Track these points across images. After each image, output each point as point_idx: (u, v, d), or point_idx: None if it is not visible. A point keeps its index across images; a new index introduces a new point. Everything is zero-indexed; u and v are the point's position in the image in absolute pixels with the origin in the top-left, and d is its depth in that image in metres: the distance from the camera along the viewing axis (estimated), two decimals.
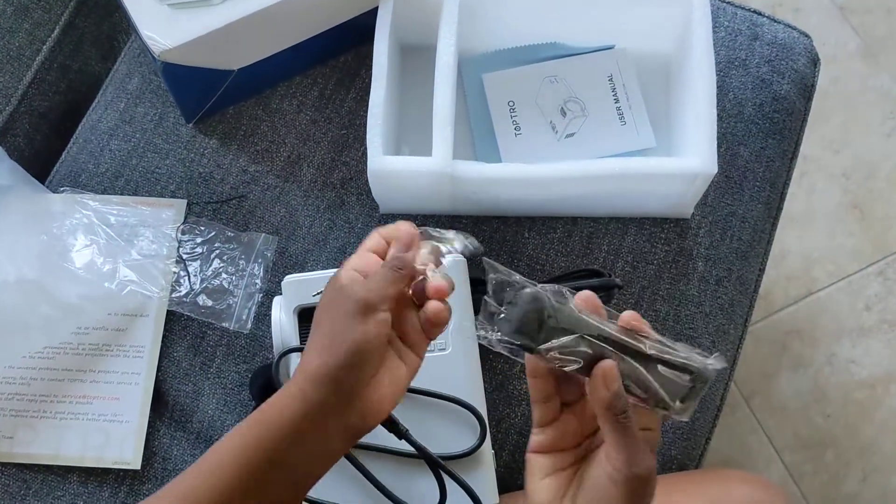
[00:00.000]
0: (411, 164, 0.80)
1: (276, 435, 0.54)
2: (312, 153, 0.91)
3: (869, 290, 1.37)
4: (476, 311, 0.56)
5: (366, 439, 0.59)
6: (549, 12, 0.88)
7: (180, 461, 0.84)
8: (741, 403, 1.32)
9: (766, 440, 1.31)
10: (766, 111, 0.92)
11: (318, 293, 0.75)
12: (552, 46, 0.91)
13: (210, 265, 0.87)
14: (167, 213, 0.89)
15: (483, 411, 0.74)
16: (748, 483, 0.83)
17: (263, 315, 0.86)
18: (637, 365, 0.52)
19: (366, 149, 0.80)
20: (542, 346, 0.52)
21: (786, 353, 1.35)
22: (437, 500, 0.71)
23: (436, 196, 0.84)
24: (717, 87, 0.81)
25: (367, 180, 0.84)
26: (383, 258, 0.59)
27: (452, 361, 0.75)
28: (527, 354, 0.54)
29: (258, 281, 0.86)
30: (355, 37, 0.90)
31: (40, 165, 0.95)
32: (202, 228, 0.88)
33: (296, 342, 0.75)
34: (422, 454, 0.70)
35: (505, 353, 0.54)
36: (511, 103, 0.90)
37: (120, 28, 1.06)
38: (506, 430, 0.84)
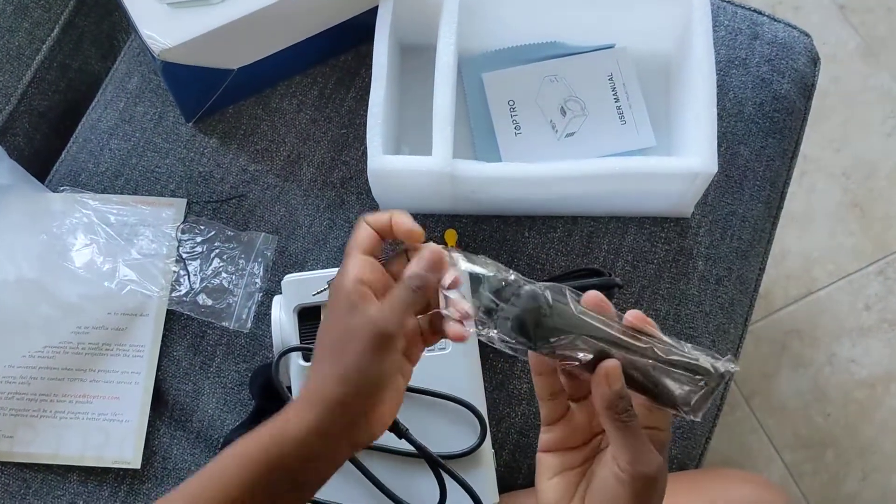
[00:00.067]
0: (411, 163, 0.80)
1: (284, 451, 0.53)
2: (312, 152, 0.91)
3: (869, 289, 1.37)
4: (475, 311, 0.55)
5: None
6: (548, 11, 0.88)
7: (180, 460, 0.84)
8: (741, 403, 1.32)
9: (766, 440, 1.31)
10: (767, 110, 0.92)
11: (318, 292, 0.76)
12: (552, 46, 0.91)
13: (210, 264, 0.87)
14: (167, 213, 0.89)
15: (483, 410, 0.74)
16: (748, 483, 0.83)
17: (263, 314, 0.86)
18: (641, 364, 0.51)
19: (366, 148, 0.80)
20: (541, 346, 0.52)
21: (786, 353, 1.34)
22: (438, 499, 0.71)
23: (436, 195, 0.84)
24: (718, 87, 0.81)
25: (366, 180, 0.84)
26: (377, 251, 0.57)
27: (452, 361, 0.75)
28: (530, 351, 0.53)
29: (258, 280, 0.86)
30: (355, 36, 0.90)
31: (40, 165, 0.95)
32: (202, 228, 0.88)
33: (296, 341, 0.75)
34: (422, 453, 0.70)
35: (506, 350, 0.54)
36: (511, 102, 0.90)
37: (120, 27, 1.06)
38: (506, 430, 0.84)
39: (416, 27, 0.87)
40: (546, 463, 0.55)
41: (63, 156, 0.95)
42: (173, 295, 0.86)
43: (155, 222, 0.88)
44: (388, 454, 0.73)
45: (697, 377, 0.51)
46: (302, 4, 0.84)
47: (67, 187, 0.91)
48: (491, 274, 0.54)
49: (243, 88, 0.91)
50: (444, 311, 0.55)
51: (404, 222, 0.57)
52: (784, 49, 0.94)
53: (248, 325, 0.85)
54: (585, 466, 0.54)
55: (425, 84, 0.82)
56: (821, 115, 1.41)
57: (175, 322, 0.87)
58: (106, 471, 0.83)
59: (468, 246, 0.87)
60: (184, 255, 0.87)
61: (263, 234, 0.88)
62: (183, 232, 0.88)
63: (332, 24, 0.88)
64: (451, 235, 0.87)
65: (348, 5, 0.87)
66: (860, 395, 1.32)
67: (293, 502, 0.55)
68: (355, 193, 0.90)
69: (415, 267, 0.55)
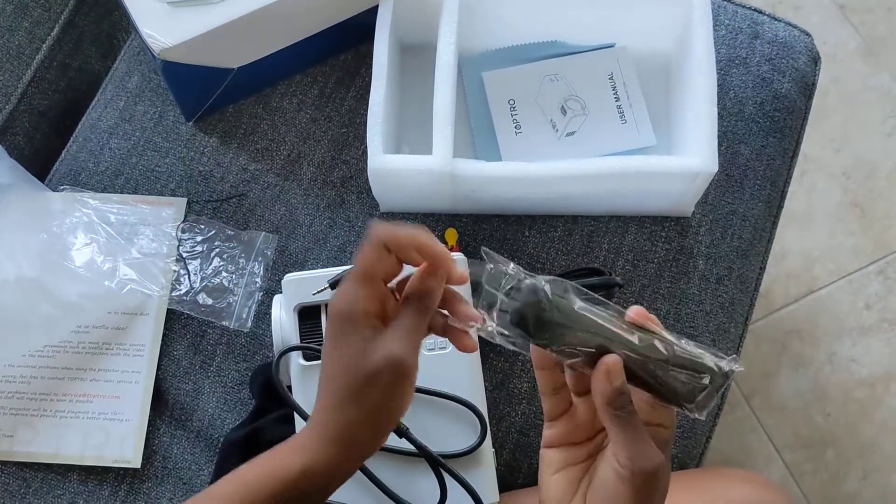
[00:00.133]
0: (411, 162, 0.80)
1: (312, 483, 0.54)
2: (312, 152, 0.91)
3: (869, 288, 1.37)
4: (475, 307, 0.54)
5: None
6: (549, 11, 0.88)
7: (180, 460, 0.84)
8: (741, 402, 1.32)
9: (767, 439, 1.31)
10: (767, 110, 0.92)
11: (318, 291, 0.76)
12: (552, 45, 0.91)
13: (210, 263, 0.87)
14: (167, 212, 0.89)
15: (483, 410, 0.74)
16: (748, 482, 0.83)
17: (263, 313, 0.86)
18: (643, 360, 0.51)
19: (366, 147, 0.80)
20: (540, 340, 0.52)
21: (786, 352, 1.34)
22: (438, 498, 0.71)
23: (436, 195, 0.84)
24: (718, 86, 0.81)
25: (367, 179, 0.84)
26: (390, 278, 0.54)
27: (453, 360, 0.75)
28: (532, 345, 0.53)
29: (258, 279, 0.86)
30: (355, 35, 0.90)
31: (40, 164, 0.95)
32: (202, 227, 0.88)
33: (296, 340, 0.75)
34: (422, 453, 0.70)
35: (506, 345, 0.53)
36: (511, 102, 0.90)
37: (120, 26, 1.06)
38: (506, 429, 0.84)
39: (417, 26, 0.87)
40: (549, 459, 0.55)
41: (63, 155, 0.95)
42: (173, 294, 0.86)
43: (155, 221, 0.88)
44: (388, 453, 0.73)
45: (700, 375, 0.51)
46: (302, 4, 0.84)
47: (67, 186, 0.91)
48: (490, 266, 0.53)
49: (243, 87, 0.91)
50: (451, 324, 0.54)
51: (430, 246, 0.53)
52: (784, 48, 0.94)
53: (249, 324, 0.85)
54: (588, 463, 0.54)
55: (425, 83, 0.82)
56: (821, 114, 1.41)
57: (175, 321, 0.87)
58: (106, 470, 0.83)
59: (468, 245, 0.87)
60: (184, 255, 0.87)
61: (264, 233, 0.88)
62: (183, 231, 0.88)
63: (333, 24, 0.88)
64: (451, 235, 0.87)
65: (348, 4, 0.87)
66: (860, 394, 1.32)
67: None
68: (355, 192, 0.90)
69: (420, 286, 0.53)
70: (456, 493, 0.71)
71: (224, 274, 0.86)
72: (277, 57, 0.88)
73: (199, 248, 0.87)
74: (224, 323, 0.85)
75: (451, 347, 0.74)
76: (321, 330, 0.76)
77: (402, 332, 0.52)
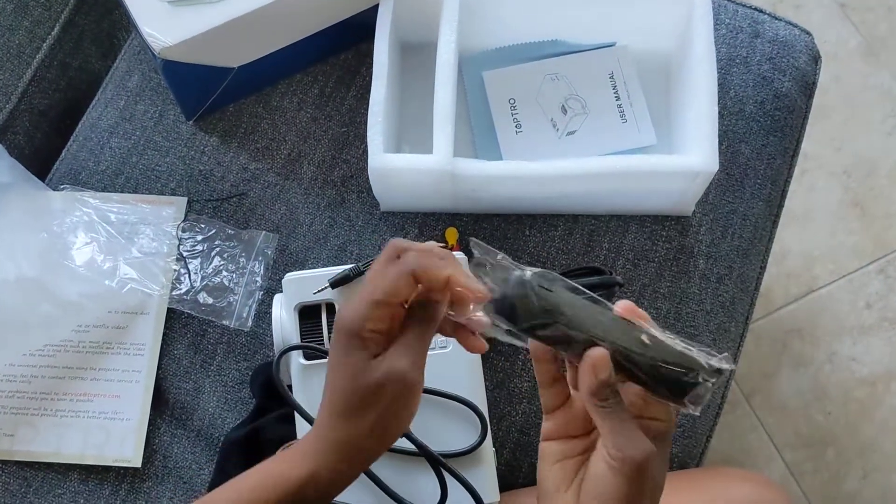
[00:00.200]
0: (412, 161, 0.80)
1: (318, 488, 0.55)
2: (313, 151, 0.91)
3: (870, 287, 1.37)
4: None
5: None
6: (549, 10, 0.88)
7: (181, 459, 0.84)
8: (741, 401, 1.32)
9: (767, 438, 1.31)
10: (768, 109, 0.92)
11: (318, 291, 0.76)
12: (553, 44, 0.91)
13: (210, 263, 0.87)
14: (167, 211, 0.89)
15: (484, 409, 0.74)
16: (749, 481, 0.83)
17: (264, 313, 0.86)
18: (629, 353, 0.51)
19: (366, 146, 0.80)
20: (526, 331, 0.52)
21: (786, 351, 1.34)
22: (438, 497, 0.71)
23: (436, 194, 0.84)
24: (718, 85, 0.81)
25: (367, 178, 0.84)
26: (406, 300, 0.53)
27: (453, 359, 0.75)
28: (530, 339, 0.53)
29: (258, 279, 0.86)
30: (356, 35, 0.90)
31: (40, 163, 0.95)
32: (202, 226, 0.88)
33: (296, 340, 0.75)
34: (423, 452, 0.70)
35: (498, 336, 0.54)
36: (512, 101, 0.90)
37: (120, 25, 1.06)
38: (507, 428, 0.84)
39: (417, 25, 0.87)
40: (547, 451, 0.56)
41: (63, 154, 0.95)
42: (174, 293, 0.86)
43: (155, 221, 0.88)
44: (389, 453, 0.72)
45: (688, 371, 0.51)
46: (302, 3, 0.84)
47: (68, 186, 0.91)
48: (477, 254, 0.54)
49: (244, 87, 0.91)
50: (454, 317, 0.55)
51: (469, 285, 0.52)
52: (785, 47, 0.94)
53: (249, 323, 0.85)
54: (585, 456, 0.54)
55: (426, 82, 0.82)
56: (821, 113, 1.41)
57: (176, 320, 0.87)
58: (107, 469, 0.83)
59: (469, 245, 0.87)
60: (184, 254, 0.87)
61: (264, 232, 0.88)
62: (183, 230, 0.88)
63: (333, 23, 0.88)
64: (451, 234, 0.87)
65: (349, 4, 0.87)
66: (861, 393, 1.32)
67: None
68: (356, 192, 0.90)
69: (425, 300, 0.53)
70: (456, 492, 0.71)
71: (224, 273, 0.86)
72: (278, 56, 0.88)
73: (199, 248, 0.87)
74: (224, 322, 0.85)
75: (451, 346, 0.75)
76: (322, 329, 0.76)
77: (405, 347, 0.53)
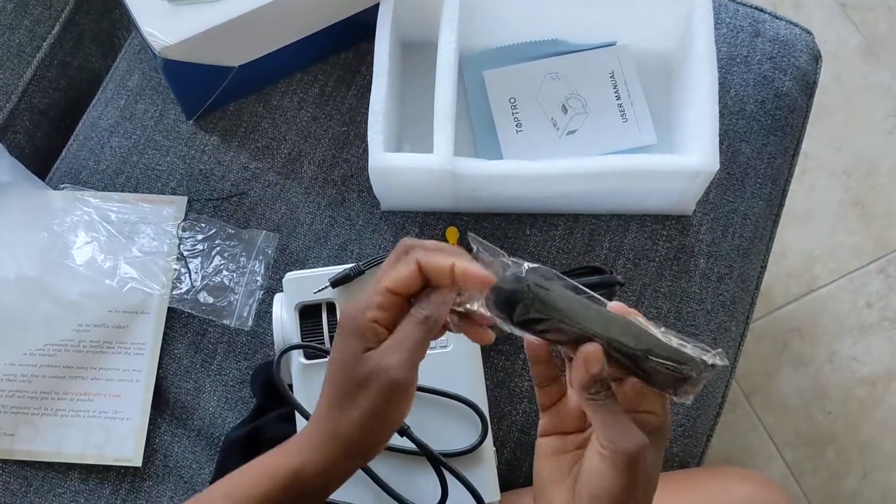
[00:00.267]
0: (412, 160, 0.80)
1: (306, 480, 0.55)
2: (313, 150, 0.91)
3: (870, 287, 1.37)
4: None
5: None
6: (550, 9, 0.88)
7: (181, 458, 0.84)
8: (742, 401, 1.32)
9: (767, 437, 1.31)
10: (768, 108, 0.92)
11: (319, 290, 0.76)
12: (553, 43, 0.91)
13: (211, 262, 0.87)
14: (168, 210, 0.89)
15: (484, 408, 0.74)
16: (749, 481, 0.83)
17: (264, 312, 0.86)
18: (621, 349, 0.52)
19: (367, 146, 0.80)
20: (520, 325, 0.52)
21: (786, 351, 1.34)
22: (439, 497, 0.71)
23: (437, 193, 0.84)
24: (719, 84, 0.81)
25: (368, 177, 0.84)
26: (412, 294, 0.53)
27: (454, 359, 0.75)
28: (526, 340, 0.54)
29: (259, 278, 0.86)
30: (356, 34, 0.90)
31: (41, 162, 0.95)
32: (203, 225, 0.88)
33: (297, 339, 0.75)
34: (423, 451, 0.70)
35: (503, 327, 0.54)
36: (512, 100, 0.90)
37: (120, 24, 1.06)
38: (507, 428, 0.84)
39: (417, 25, 0.87)
40: (543, 446, 0.56)
41: (64, 153, 0.95)
42: (174, 293, 0.86)
43: (156, 220, 0.88)
44: (389, 452, 0.73)
45: (681, 365, 0.52)
46: (303, 2, 0.84)
47: (68, 185, 0.91)
48: (476, 250, 0.54)
49: (244, 86, 0.91)
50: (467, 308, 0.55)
51: (471, 270, 0.52)
52: (785, 47, 0.94)
53: (249, 322, 0.85)
54: (580, 452, 0.55)
55: (426, 81, 0.82)
56: (822, 112, 1.41)
57: (176, 320, 0.87)
58: (107, 469, 0.83)
59: (469, 244, 0.87)
60: (185, 253, 0.87)
61: (264, 231, 0.88)
62: (184, 230, 0.88)
63: (333, 22, 0.88)
64: (452, 233, 0.87)
65: (349, 3, 0.87)
66: (861, 393, 1.32)
67: None
68: (356, 191, 0.90)
69: (428, 304, 0.53)
70: (457, 491, 0.71)
71: (225, 272, 0.86)
72: (278, 55, 0.88)
73: (199, 247, 0.87)
74: (225, 321, 0.85)
75: (452, 345, 0.75)
76: (322, 328, 0.76)
77: (398, 345, 0.53)
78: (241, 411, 0.85)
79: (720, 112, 0.81)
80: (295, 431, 0.73)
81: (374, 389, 0.52)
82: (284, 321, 0.76)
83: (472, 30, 0.86)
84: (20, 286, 0.84)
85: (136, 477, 0.83)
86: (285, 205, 0.90)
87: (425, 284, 0.53)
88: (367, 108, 0.80)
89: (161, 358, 0.85)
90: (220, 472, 0.81)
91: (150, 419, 0.84)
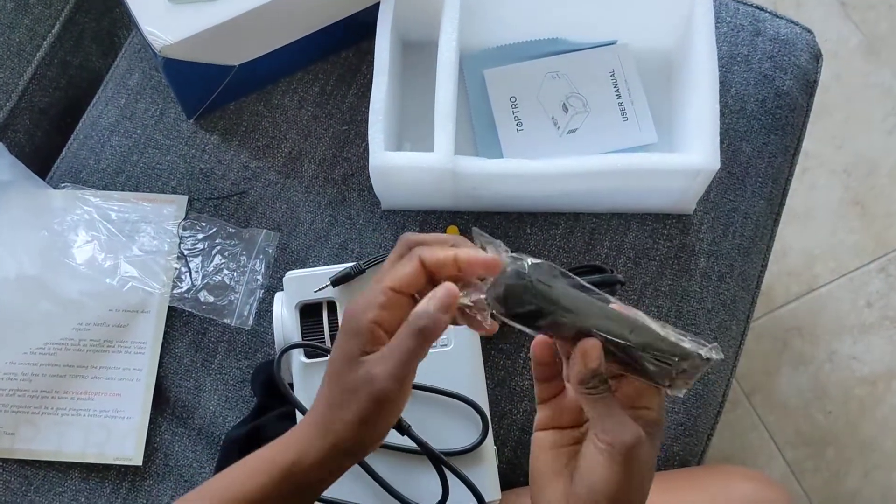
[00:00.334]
0: (413, 159, 0.80)
1: (302, 471, 0.55)
2: (314, 149, 0.91)
3: (870, 286, 1.37)
4: None
5: None
6: (550, 8, 0.88)
7: (182, 457, 0.84)
8: (742, 400, 1.32)
9: (768, 437, 1.31)
10: (769, 107, 0.92)
11: (319, 289, 0.76)
12: (554, 42, 0.91)
13: (211, 261, 0.87)
14: (168, 209, 0.89)
15: (485, 407, 0.74)
16: (749, 480, 0.83)
17: (265, 311, 0.86)
18: (620, 344, 0.52)
19: (367, 145, 0.80)
20: (519, 318, 0.53)
21: (787, 350, 1.34)
22: (440, 496, 0.71)
23: (437, 192, 0.84)
24: (720, 83, 0.81)
25: (368, 176, 0.84)
26: (416, 291, 0.53)
27: (454, 357, 0.75)
28: (534, 342, 0.55)
29: (259, 277, 0.86)
30: (357, 33, 0.90)
31: (41, 161, 0.95)
32: (203, 224, 0.88)
33: (297, 338, 0.75)
34: (424, 450, 0.70)
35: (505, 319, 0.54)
36: (513, 99, 0.90)
37: (120, 23, 1.06)
38: (508, 427, 0.84)
39: (418, 24, 0.87)
40: (540, 440, 0.56)
41: (64, 152, 0.95)
42: (175, 292, 0.86)
43: (156, 219, 0.88)
44: (390, 450, 0.73)
45: (679, 359, 0.52)
46: (303, 1, 0.84)
47: (68, 184, 0.91)
48: (478, 244, 0.54)
49: (244, 85, 0.91)
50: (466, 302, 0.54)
51: (475, 257, 0.52)
52: (786, 46, 0.94)
53: (250, 321, 0.85)
54: (577, 446, 0.55)
55: (427, 80, 0.82)
56: (822, 111, 1.41)
57: (176, 319, 0.87)
58: (107, 468, 0.83)
59: (472, 240, 0.87)
60: (185, 252, 0.87)
61: (265, 230, 0.88)
62: (184, 229, 0.88)
63: (334, 21, 0.88)
64: (452, 232, 0.87)
65: (350, 2, 0.87)
66: (861, 392, 1.32)
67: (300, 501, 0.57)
68: (357, 190, 0.90)
69: (426, 315, 0.52)
70: (458, 490, 0.71)
71: (225, 271, 0.86)
72: (278, 54, 0.88)
73: (200, 246, 0.87)
74: (225, 320, 0.85)
75: (452, 344, 0.75)
76: (323, 327, 0.76)
77: (389, 355, 0.52)
78: (241, 410, 0.85)
79: (721, 111, 0.80)
80: None
81: (362, 398, 0.52)
82: (285, 320, 0.76)
83: (472, 29, 0.86)
84: (20, 285, 0.84)
85: (136, 476, 0.83)
86: (286, 204, 0.90)
87: (430, 280, 0.53)
88: (367, 107, 0.80)
89: (161, 357, 0.85)
90: (221, 470, 0.81)
91: (151, 418, 0.84)
